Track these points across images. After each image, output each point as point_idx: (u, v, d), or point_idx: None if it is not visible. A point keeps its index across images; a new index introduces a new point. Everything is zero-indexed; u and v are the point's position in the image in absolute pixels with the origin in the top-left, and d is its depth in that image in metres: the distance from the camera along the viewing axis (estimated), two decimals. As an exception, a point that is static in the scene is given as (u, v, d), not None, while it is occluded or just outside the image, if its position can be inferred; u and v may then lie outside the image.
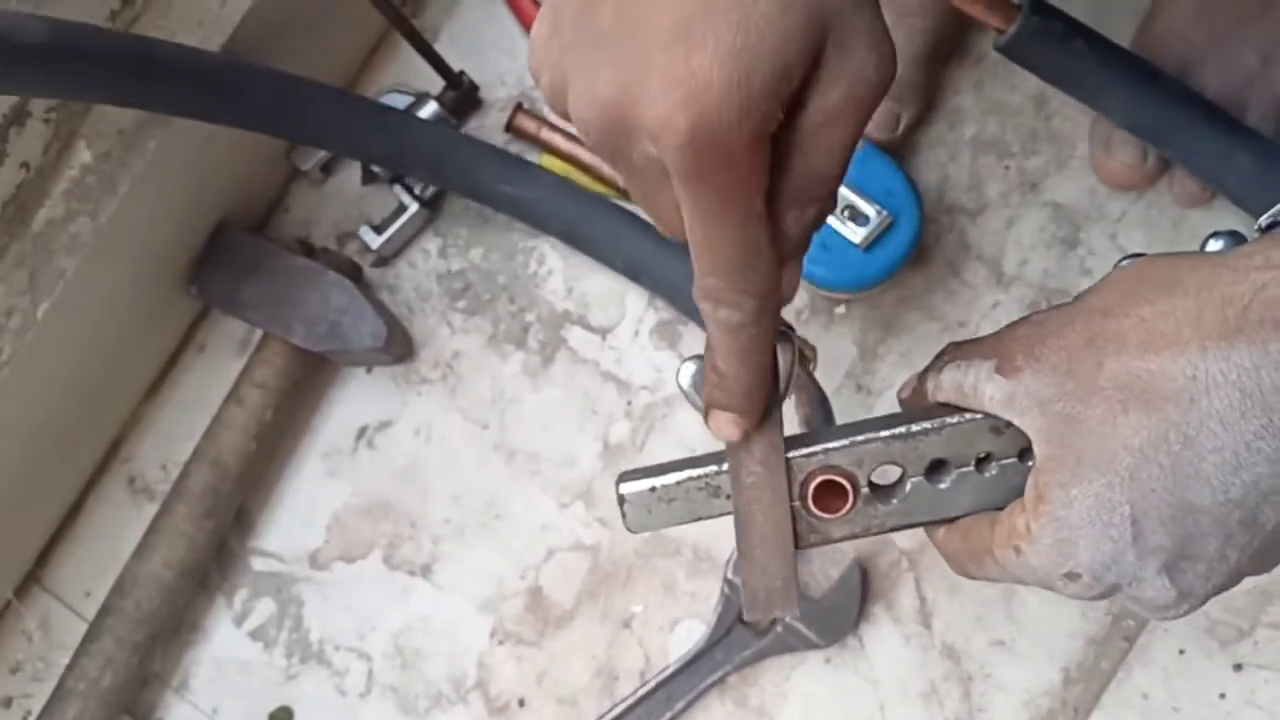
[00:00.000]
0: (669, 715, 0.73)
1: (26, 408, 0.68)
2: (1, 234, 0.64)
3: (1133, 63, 0.68)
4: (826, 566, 0.73)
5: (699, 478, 0.45)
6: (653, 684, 0.73)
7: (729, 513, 0.46)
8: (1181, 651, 0.71)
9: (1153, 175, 0.73)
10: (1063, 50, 0.67)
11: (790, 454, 0.45)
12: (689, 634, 0.74)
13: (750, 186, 0.36)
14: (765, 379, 0.43)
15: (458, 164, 0.72)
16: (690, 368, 0.45)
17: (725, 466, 0.45)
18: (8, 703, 0.77)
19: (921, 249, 0.74)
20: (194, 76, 0.63)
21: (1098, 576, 0.39)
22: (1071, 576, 0.39)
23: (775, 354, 0.44)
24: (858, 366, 0.75)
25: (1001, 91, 0.76)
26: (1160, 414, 0.36)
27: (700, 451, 0.69)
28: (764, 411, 0.44)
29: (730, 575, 0.72)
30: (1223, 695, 0.70)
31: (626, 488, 0.46)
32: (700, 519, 0.46)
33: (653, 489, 0.46)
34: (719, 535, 0.74)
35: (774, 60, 0.34)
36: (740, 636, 0.72)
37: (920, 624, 0.73)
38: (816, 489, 0.45)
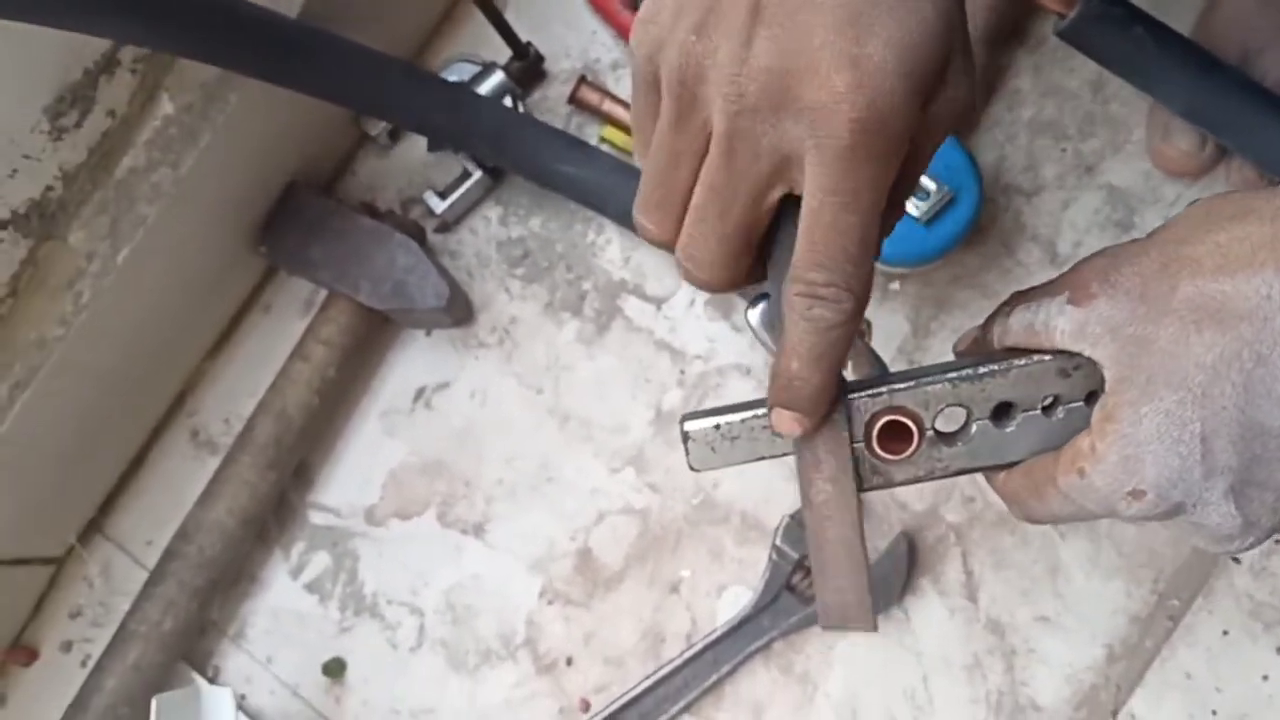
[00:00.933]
0: (714, 678, 0.74)
1: (100, 354, 0.70)
2: (86, 180, 0.67)
3: (1191, 50, 0.68)
4: (874, 538, 0.74)
5: (763, 416, 0.46)
6: (699, 647, 0.74)
7: (789, 453, 0.47)
8: (1225, 632, 0.71)
9: (1210, 163, 0.74)
10: (1122, 36, 0.67)
11: (855, 395, 0.46)
12: (736, 600, 0.75)
13: (888, 178, 0.38)
14: (836, 382, 0.43)
15: (519, 142, 0.74)
16: (760, 306, 0.45)
17: None
18: (67, 647, 0.79)
19: (977, 228, 0.75)
20: (272, 40, 0.64)
21: (1163, 494, 0.39)
22: (1136, 494, 0.40)
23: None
24: (910, 342, 0.76)
25: (1059, 75, 0.77)
26: (1234, 332, 0.37)
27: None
28: (829, 411, 0.44)
29: (779, 543, 0.73)
30: (1265, 677, 0.71)
31: (691, 425, 0.47)
32: (763, 458, 0.47)
33: (717, 426, 0.46)
34: (768, 502, 0.75)
35: (932, 59, 0.36)
36: (787, 604, 0.73)
37: (966, 598, 0.74)
38: (881, 430, 0.45)
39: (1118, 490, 0.40)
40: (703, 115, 0.39)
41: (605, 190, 0.75)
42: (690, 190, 0.41)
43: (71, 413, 0.72)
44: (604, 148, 0.80)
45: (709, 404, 0.77)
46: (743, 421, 0.46)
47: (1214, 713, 0.71)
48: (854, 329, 0.41)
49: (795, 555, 0.73)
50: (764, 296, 0.46)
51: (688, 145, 0.40)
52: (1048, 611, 0.73)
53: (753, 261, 0.42)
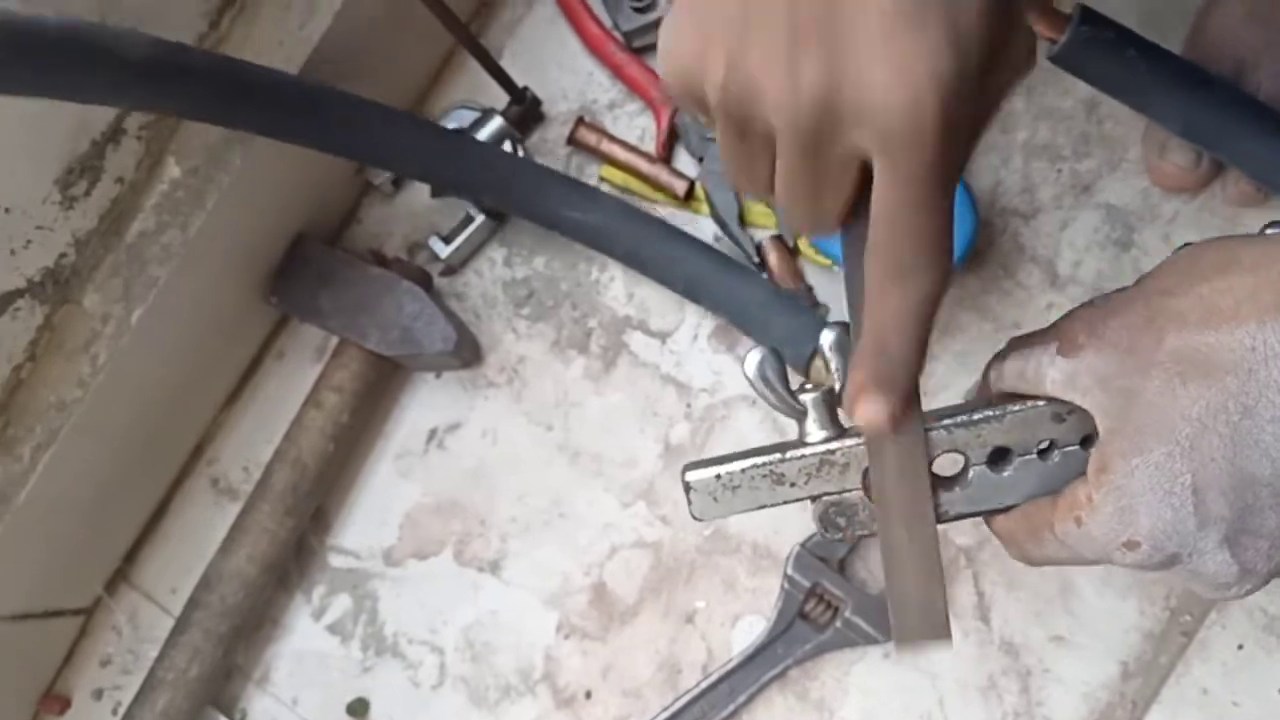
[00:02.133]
0: (732, 708, 0.74)
1: (119, 412, 0.72)
2: (98, 245, 0.68)
3: (1184, 69, 0.69)
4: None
5: (763, 465, 0.47)
6: (715, 677, 0.75)
7: (791, 500, 0.48)
8: (1240, 647, 0.71)
9: (1206, 178, 0.74)
10: (1114, 59, 0.68)
11: (849, 442, 0.47)
12: (750, 629, 0.76)
13: (959, 161, 0.38)
14: (922, 362, 0.42)
15: (523, 190, 0.75)
16: (755, 357, 0.46)
17: (789, 455, 0.47)
18: (98, 694, 0.81)
19: (976, 251, 0.75)
20: (277, 99, 0.66)
21: (1158, 545, 0.40)
22: (1131, 545, 0.40)
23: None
24: (913, 367, 0.77)
25: (1053, 97, 0.77)
26: (1219, 385, 0.37)
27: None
28: (911, 399, 0.44)
29: (790, 571, 0.74)
30: (1283, 690, 0.71)
31: (692, 475, 0.48)
32: (764, 506, 0.48)
33: (718, 476, 0.47)
34: (779, 532, 0.76)
35: (988, 32, 0.36)
36: (800, 631, 0.74)
37: (979, 619, 0.74)
38: None
39: (1113, 540, 0.41)
40: (762, 130, 0.39)
41: (610, 233, 0.76)
42: (773, 175, 0.41)
43: (93, 469, 0.74)
44: (604, 186, 0.81)
45: (716, 436, 0.78)
46: (743, 471, 0.47)
47: (1231, 727, 0.71)
48: (941, 301, 0.41)
49: (807, 584, 0.74)
50: (760, 349, 0.47)
51: (758, 149, 0.40)
52: (1061, 631, 0.73)
53: (850, 210, 0.42)
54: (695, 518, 0.48)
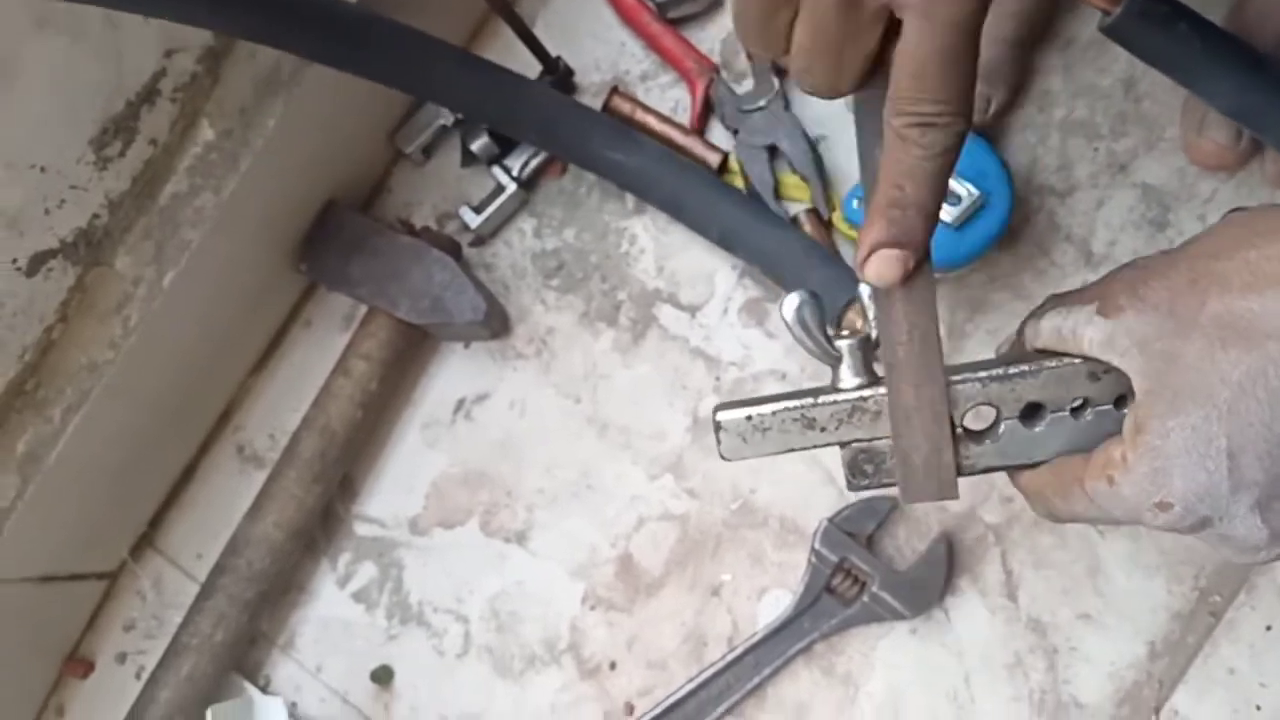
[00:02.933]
0: (756, 680, 0.74)
1: (149, 375, 0.72)
2: (131, 207, 0.68)
3: (1236, 47, 0.67)
4: (913, 539, 0.75)
5: (795, 409, 0.47)
6: (741, 650, 0.75)
7: (820, 445, 0.48)
8: (1268, 627, 0.71)
9: (1245, 156, 0.74)
10: (1166, 33, 0.66)
11: (882, 390, 0.46)
12: (776, 603, 0.76)
13: (987, 7, 0.38)
14: (938, 213, 0.42)
15: (568, 128, 0.75)
16: (794, 301, 0.46)
17: (821, 400, 0.47)
18: (122, 658, 0.81)
19: (1011, 229, 0.75)
20: (331, 24, 0.65)
21: (1190, 507, 0.40)
22: (1163, 506, 0.40)
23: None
24: (945, 345, 0.76)
25: (1091, 75, 0.77)
26: (1260, 350, 0.37)
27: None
28: (925, 254, 0.43)
29: (818, 546, 0.74)
30: (1310, 672, 0.71)
31: (723, 415, 0.48)
32: (793, 450, 0.48)
33: (749, 417, 0.48)
34: (807, 507, 0.76)
35: None
36: (827, 606, 0.74)
37: (1006, 597, 0.74)
38: None
39: (1145, 501, 0.41)
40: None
41: (650, 177, 0.75)
42: (791, 27, 0.40)
43: (122, 433, 0.74)
44: (636, 156, 0.80)
45: (745, 410, 0.78)
46: (774, 413, 0.47)
47: (1258, 708, 0.71)
48: (960, 151, 0.41)
49: (834, 558, 0.74)
50: (802, 292, 0.47)
51: (784, 15, 0.39)
52: (1089, 609, 0.73)
53: (869, 69, 0.42)
54: (724, 457, 0.48)
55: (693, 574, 0.77)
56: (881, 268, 0.43)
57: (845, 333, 0.47)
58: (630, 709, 0.76)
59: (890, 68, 0.40)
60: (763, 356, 0.78)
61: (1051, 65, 0.77)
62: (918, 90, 0.39)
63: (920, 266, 0.43)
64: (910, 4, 0.37)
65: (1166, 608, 0.72)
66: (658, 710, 0.75)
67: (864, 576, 0.74)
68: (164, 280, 0.69)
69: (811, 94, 0.42)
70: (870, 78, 0.41)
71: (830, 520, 0.74)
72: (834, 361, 0.47)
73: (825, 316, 0.47)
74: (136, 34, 0.63)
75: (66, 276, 0.67)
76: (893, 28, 0.39)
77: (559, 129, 0.75)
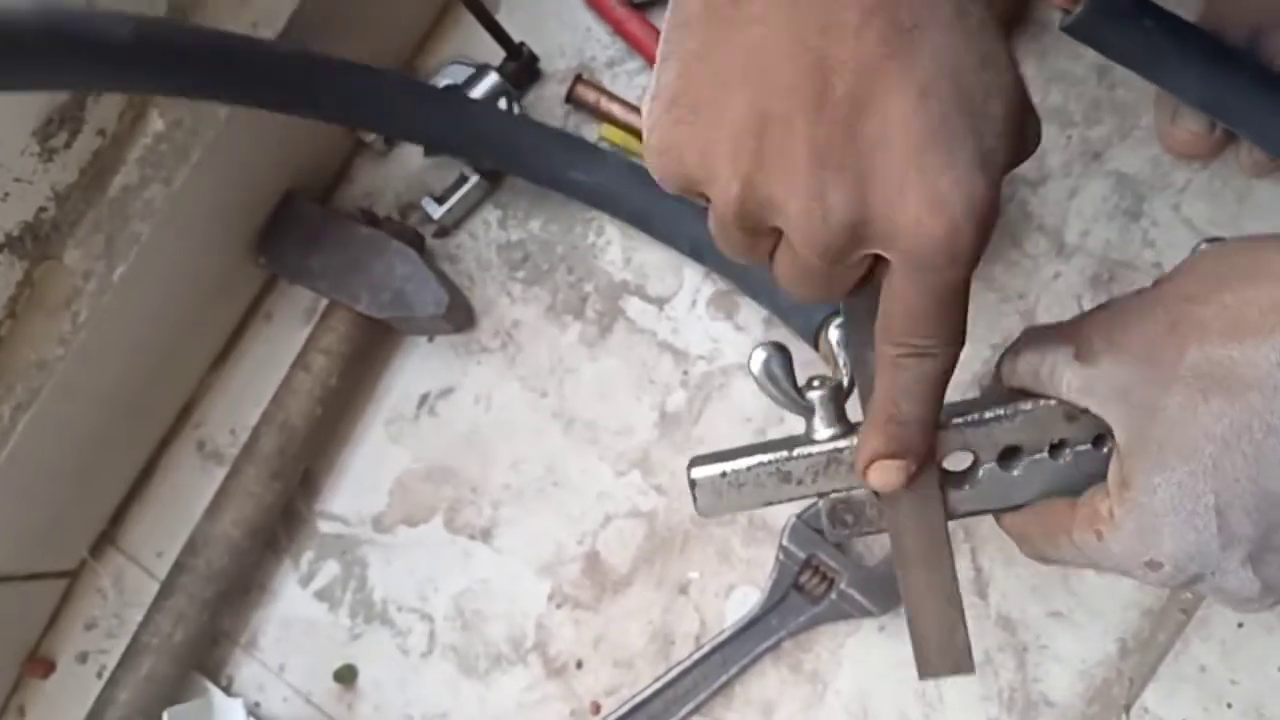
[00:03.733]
0: (724, 679, 0.73)
1: (102, 371, 0.71)
2: (79, 200, 0.66)
3: (1202, 40, 0.66)
4: (881, 537, 0.73)
5: (770, 463, 0.46)
6: (708, 648, 0.74)
7: (798, 498, 0.47)
8: (1240, 625, 0.70)
9: (1220, 145, 0.73)
10: (1130, 29, 0.65)
11: (857, 441, 0.45)
12: (744, 600, 0.75)
13: (977, 262, 0.37)
14: (936, 422, 0.43)
15: (524, 150, 0.73)
16: (761, 355, 0.45)
17: (796, 453, 0.46)
18: (83, 658, 0.80)
19: (981, 219, 0.74)
20: (267, 71, 0.64)
21: (1180, 566, 0.39)
22: (1153, 565, 0.39)
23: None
24: (915, 337, 0.75)
25: (1064, 61, 0.75)
26: (1243, 402, 0.36)
27: (756, 420, 0.70)
28: (926, 458, 0.44)
29: (785, 543, 0.73)
30: (1282, 669, 0.70)
31: (698, 472, 0.47)
32: (770, 504, 0.47)
33: (724, 474, 0.46)
34: (775, 503, 0.75)
35: (1008, 151, 0.35)
36: (795, 603, 0.73)
37: (976, 595, 0.73)
38: None
39: (1135, 559, 0.40)
40: (774, 235, 0.37)
41: (615, 194, 0.74)
42: (774, 251, 0.39)
43: (77, 430, 0.72)
44: (603, 145, 0.79)
45: (714, 405, 0.77)
46: (749, 469, 0.46)
47: (1229, 705, 0.70)
48: (955, 367, 0.41)
49: (802, 555, 0.72)
50: (768, 345, 0.46)
51: (764, 246, 0.38)
52: (1059, 607, 0.72)
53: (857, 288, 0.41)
54: (700, 514, 0.47)
55: (660, 571, 0.76)
56: (884, 477, 0.43)
57: (816, 383, 0.46)
58: (597, 708, 0.75)
59: (879, 283, 0.38)
60: (731, 350, 0.77)
61: (1025, 52, 0.76)
62: (909, 327, 0.38)
63: (924, 466, 0.44)
64: (905, 266, 0.36)
65: (1137, 605, 0.71)
66: (624, 709, 0.74)
67: (832, 573, 0.73)
68: (114, 274, 0.67)
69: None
70: (859, 288, 0.39)
71: (798, 517, 0.73)
72: (806, 413, 0.46)
73: (793, 368, 0.46)
74: (80, 22, 0.61)
75: (13, 271, 0.66)
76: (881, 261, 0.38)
77: (513, 151, 0.73)
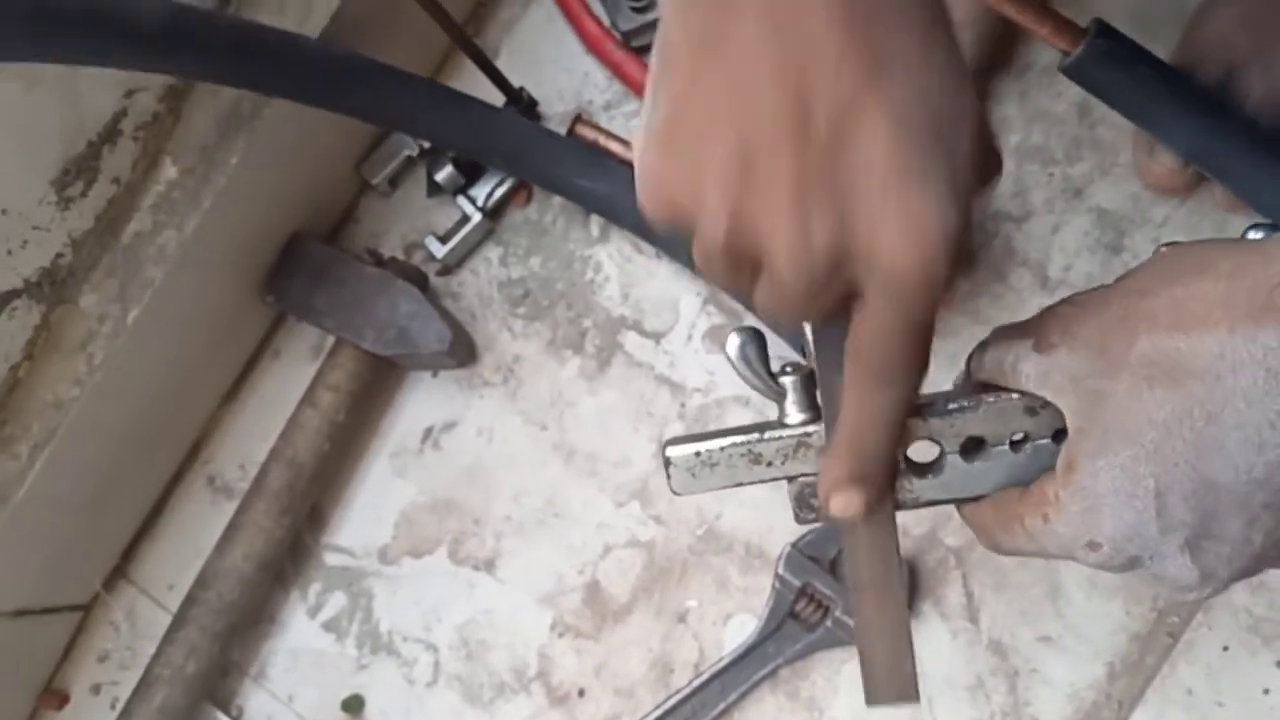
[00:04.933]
0: (723, 706, 0.75)
1: (116, 410, 0.73)
2: (94, 246, 0.69)
3: (1195, 92, 0.68)
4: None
5: (742, 444, 0.48)
6: (707, 676, 0.75)
7: (768, 480, 0.49)
8: (1225, 648, 0.72)
9: (1196, 180, 0.74)
10: (1126, 74, 0.67)
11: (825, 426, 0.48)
12: (742, 628, 0.76)
13: (946, 287, 0.39)
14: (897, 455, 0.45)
15: (538, 156, 0.76)
16: (736, 339, 0.47)
17: (767, 435, 0.48)
18: (96, 690, 0.82)
19: (967, 255, 0.76)
20: (298, 61, 0.66)
21: (1118, 547, 0.40)
22: (1093, 546, 0.41)
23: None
24: (905, 369, 0.77)
25: (1046, 100, 0.78)
26: (1185, 390, 0.38)
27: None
28: (885, 489, 0.46)
29: (781, 571, 0.75)
30: (1266, 691, 0.72)
31: (673, 451, 0.49)
32: (741, 484, 0.49)
33: (697, 453, 0.48)
34: (771, 532, 0.77)
35: (975, 178, 0.37)
36: (791, 631, 0.75)
37: (967, 620, 0.75)
38: None
39: (1078, 540, 0.41)
40: (754, 264, 0.39)
41: (621, 203, 0.76)
42: (755, 280, 0.40)
43: (92, 467, 0.74)
44: (601, 183, 0.81)
45: (709, 436, 0.79)
46: (721, 449, 0.48)
47: (1216, 728, 0.72)
48: (917, 395, 0.43)
49: (798, 583, 0.74)
50: (742, 329, 0.48)
51: (746, 271, 0.40)
52: (1049, 631, 0.74)
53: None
54: (674, 492, 0.49)
55: (659, 600, 0.78)
56: (845, 504, 0.45)
57: (789, 369, 0.48)
58: (599, 734, 0.77)
59: (851, 310, 0.40)
60: (726, 382, 0.79)
61: (1007, 91, 0.78)
62: (882, 354, 0.40)
63: (882, 498, 0.45)
64: (879, 293, 0.38)
65: (1125, 629, 0.73)
66: (626, 735, 0.76)
67: (827, 601, 0.74)
68: (128, 318, 0.69)
69: None
70: (832, 318, 0.41)
71: (794, 545, 0.75)
72: (779, 397, 0.48)
73: (767, 353, 0.48)
74: (95, 76, 0.64)
75: (31, 315, 0.68)
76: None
77: (528, 156, 0.76)
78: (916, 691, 0.48)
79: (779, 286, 0.38)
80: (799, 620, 0.75)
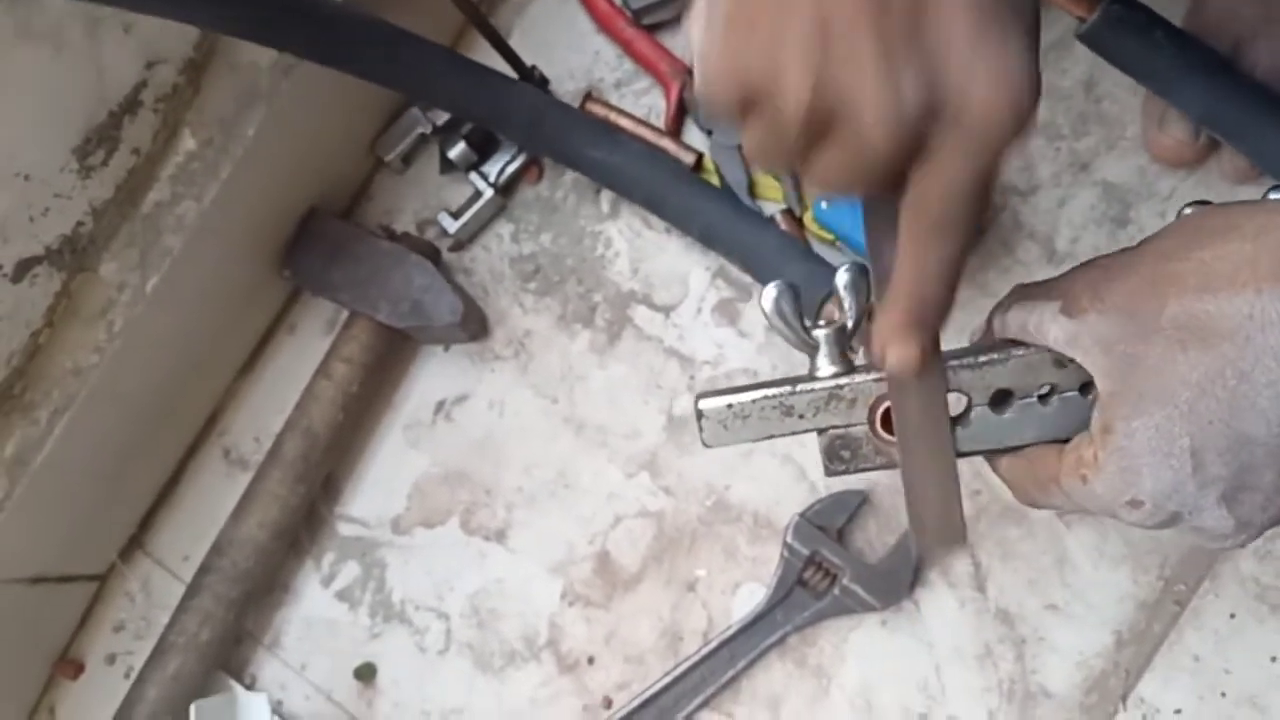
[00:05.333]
0: (731, 674, 0.76)
1: (134, 379, 0.74)
2: (114, 215, 0.70)
3: (1209, 57, 0.69)
4: (883, 533, 0.76)
5: (774, 396, 0.48)
6: (715, 644, 0.76)
7: (799, 431, 0.49)
8: (1232, 615, 0.73)
9: (1204, 152, 0.75)
10: (1142, 40, 0.68)
11: (858, 379, 0.48)
12: (750, 596, 0.77)
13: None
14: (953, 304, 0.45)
15: (551, 127, 0.76)
16: (772, 291, 0.48)
17: (799, 388, 0.48)
18: (111, 659, 0.83)
19: (975, 228, 0.76)
20: (323, 23, 0.67)
21: (1159, 504, 0.42)
22: (1134, 504, 0.42)
23: None
24: (913, 341, 0.78)
25: (1052, 76, 0.79)
26: (1217, 351, 0.39)
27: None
28: (938, 341, 0.46)
29: (790, 540, 0.75)
30: (1274, 658, 0.72)
31: (705, 404, 0.49)
32: (772, 436, 0.49)
33: (729, 405, 0.49)
34: (779, 502, 0.78)
35: (1038, 25, 0.39)
36: (799, 599, 0.75)
37: (975, 589, 0.75)
38: (885, 413, 0.48)
39: (1117, 499, 0.42)
40: (840, 133, 0.39)
41: (632, 176, 0.77)
42: (813, 158, 0.41)
43: (110, 436, 0.75)
44: (610, 161, 0.82)
45: (719, 408, 0.79)
46: (754, 401, 0.49)
47: (1223, 694, 0.72)
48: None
49: (805, 552, 0.75)
50: (779, 283, 0.48)
51: (814, 144, 0.40)
52: (1056, 600, 0.74)
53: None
54: (706, 444, 0.49)
55: (669, 570, 0.79)
56: (903, 354, 0.45)
57: (822, 323, 0.49)
58: (608, 703, 0.78)
59: (908, 178, 0.41)
60: (735, 355, 0.80)
61: (1014, 67, 0.79)
62: (949, 203, 0.41)
63: (936, 350, 0.46)
64: (962, 141, 0.39)
65: (1132, 597, 0.74)
66: (635, 704, 0.76)
67: (835, 570, 0.75)
68: (147, 286, 0.71)
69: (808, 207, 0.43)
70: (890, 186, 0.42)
71: (801, 515, 0.75)
72: (811, 350, 0.49)
73: (801, 307, 0.49)
74: (118, 45, 0.65)
75: (52, 282, 0.69)
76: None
77: (542, 127, 0.77)
78: (965, 536, 0.49)
79: (859, 150, 0.39)
80: (807, 588, 0.75)
